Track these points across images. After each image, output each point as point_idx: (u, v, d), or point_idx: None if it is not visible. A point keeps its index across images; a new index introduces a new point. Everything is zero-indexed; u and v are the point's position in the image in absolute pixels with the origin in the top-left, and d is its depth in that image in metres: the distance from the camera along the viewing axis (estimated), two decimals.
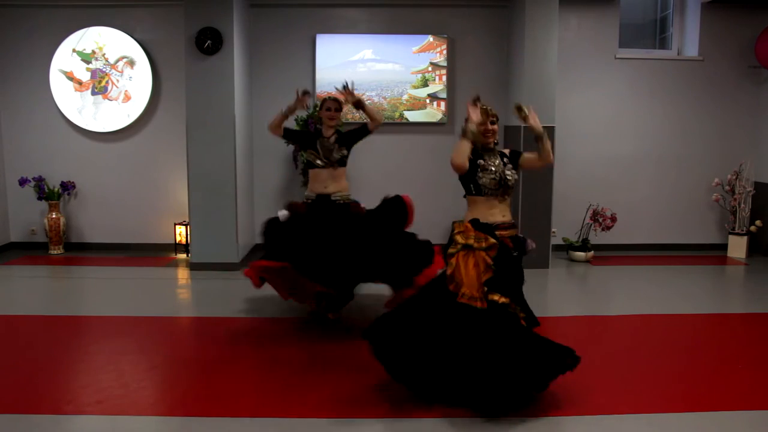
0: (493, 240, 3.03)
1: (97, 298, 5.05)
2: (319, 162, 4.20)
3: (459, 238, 3.06)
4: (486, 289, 2.99)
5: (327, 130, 4.28)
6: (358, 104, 4.28)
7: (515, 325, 3.05)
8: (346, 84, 4.34)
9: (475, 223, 3.10)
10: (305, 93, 4.29)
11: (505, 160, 3.21)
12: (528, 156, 3.29)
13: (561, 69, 6.12)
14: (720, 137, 6.80)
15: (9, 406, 2.97)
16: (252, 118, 6.55)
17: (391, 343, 3.05)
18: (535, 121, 3.20)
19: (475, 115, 3.08)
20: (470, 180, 3.15)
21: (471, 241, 3.03)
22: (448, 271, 3.08)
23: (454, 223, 3.17)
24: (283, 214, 4.19)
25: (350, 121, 6.13)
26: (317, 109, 6.34)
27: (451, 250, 3.10)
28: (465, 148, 3.04)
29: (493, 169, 3.11)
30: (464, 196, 3.27)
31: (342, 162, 4.25)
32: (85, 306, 4.91)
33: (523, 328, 3.08)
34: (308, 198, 4.27)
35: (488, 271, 3.00)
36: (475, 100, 3.13)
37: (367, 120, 4.30)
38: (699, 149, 6.80)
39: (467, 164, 3.06)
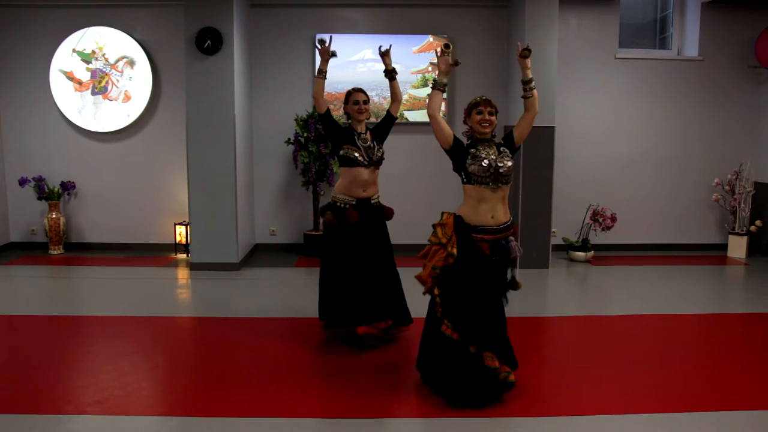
0: (455, 251, 3.04)
1: (97, 298, 5.05)
2: (361, 160, 3.76)
3: (439, 233, 3.12)
4: (436, 284, 3.12)
5: (359, 126, 3.87)
6: (393, 73, 3.92)
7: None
8: (388, 48, 3.93)
9: (457, 221, 3.10)
10: (321, 42, 3.80)
11: (502, 149, 3.15)
12: (517, 127, 3.25)
13: (561, 69, 6.12)
14: (720, 137, 6.80)
15: (9, 406, 2.97)
16: (252, 118, 6.55)
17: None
18: (528, 65, 3.23)
19: (443, 64, 3.12)
20: (461, 167, 3.14)
21: (444, 240, 3.08)
22: (421, 252, 3.20)
23: (442, 213, 3.17)
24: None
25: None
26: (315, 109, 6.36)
27: (430, 239, 3.15)
28: (436, 98, 3.13)
29: (483, 156, 3.06)
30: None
31: (381, 161, 3.89)
32: (85, 306, 4.91)
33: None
34: (346, 202, 3.81)
35: (436, 269, 3.10)
36: (444, 50, 3.15)
37: (388, 104, 4.01)
38: (699, 149, 6.80)
39: (440, 119, 3.15)
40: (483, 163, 3.04)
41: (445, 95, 6.02)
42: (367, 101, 3.88)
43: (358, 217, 3.79)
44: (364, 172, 3.78)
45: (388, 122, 3.98)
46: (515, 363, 3.18)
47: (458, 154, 3.14)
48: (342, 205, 3.81)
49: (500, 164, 3.06)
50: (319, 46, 3.82)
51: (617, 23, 6.62)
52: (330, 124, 3.83)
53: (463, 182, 3.16)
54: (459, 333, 3.03)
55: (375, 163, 3.83)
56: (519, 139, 3.25)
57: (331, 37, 3.91)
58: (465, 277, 3.06)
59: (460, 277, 3.06)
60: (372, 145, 3.82)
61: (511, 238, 3.17)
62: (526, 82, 3.22)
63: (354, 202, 3.81)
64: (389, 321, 3.85)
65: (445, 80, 3.15)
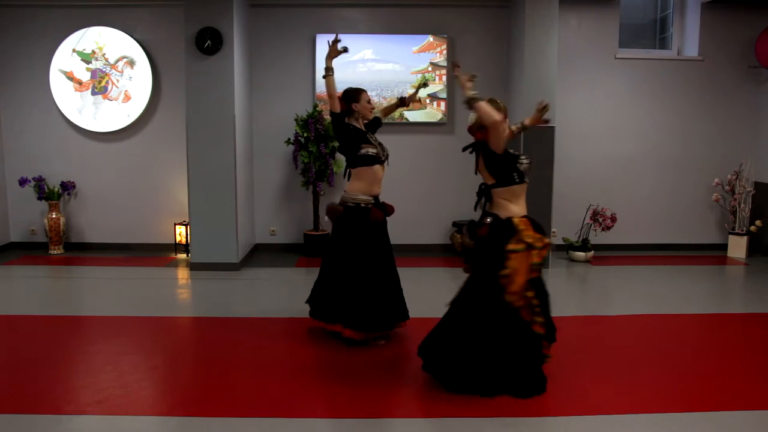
0: (546, 240, 3.11)
1: (97, 298, 5.04)
2: (381, 157, 3.79)
3: (527, 237, 3.05)
4: (530, 287, 3.10)
5: (362, 125, 3.92)
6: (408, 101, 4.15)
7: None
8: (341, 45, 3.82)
9: (531, 220, 3.16)
10: (336, 41, 3.75)
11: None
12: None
13: (561, 69, 6.13)
14: (720, 137, 6.80)
15: (9, 406, 2.97)
16: (252, 118, 6.55)
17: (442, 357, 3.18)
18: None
19: (466, 81, 3.16)
20: (511, 168, 3.14)
21: (530, 240, 3.06)
22: (506, 271, 3.04)
23: (512, 219, 3.11)
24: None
25: None
26: (315, 109, 6.38)
27: (514, 247, 3.04)
28: (484, 107, 3.04)
29: (523, 156, 3.22)
30: (490, 187, 3.19)
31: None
32: (85, 306, 4.91)
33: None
34: (365, 203, 3.79)
35: (533, 271, 3.08)
36: (456, 69, 3.31)
37: (379, 114, 4.11)
38: (699, 149, 6.80)
39: (506, 122, 3.16)
40: (529, 161, 3.21)
41: (445, 95, 6.01)
42: (371, 100, 3.98)
43: (383, 216, 3.83)
44: (380, 170, 3.82)
45: (378, 123, 4.07)
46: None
47: (508, 157, 3.17)
48: (365, 206, 3.78)
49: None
50: (330, 44, 3.77)
51: (617, 23, 6.62)
52: (345, 124, 3.81)
53: (514, 182, 3.14)
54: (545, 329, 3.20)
55: (387, 158, 3.87)
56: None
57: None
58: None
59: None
60: (381, 144, 3.90)
61: None
62: (525, 128, 3.56)
63: (373, 202, 3.82)
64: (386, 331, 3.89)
65: (475, 92, 3.12)
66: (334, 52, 3.75)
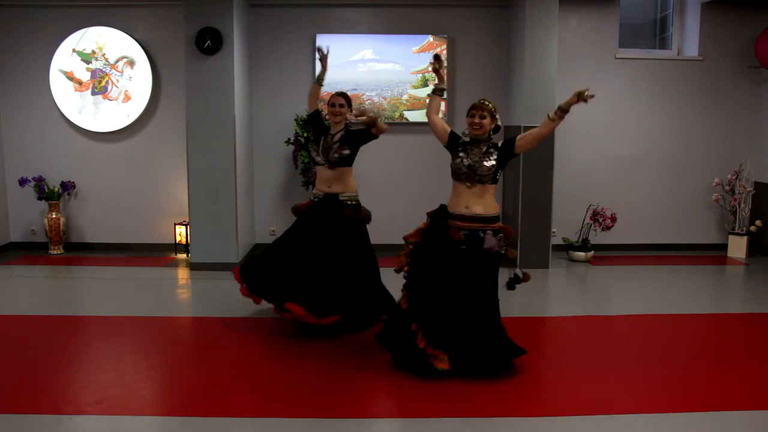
0: (422, 227, 3.47)
1: (97, 298, 5.05)
2: (318, 159, 4.08)
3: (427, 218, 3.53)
4: (410, 247, 3.48)
5: (334, 127, 4.11)
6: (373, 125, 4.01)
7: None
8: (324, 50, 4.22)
9: (442, 207, 3.46)
10: (320, 50, 4.17)
11: (490, 151, 3.36)
12: (525, 136, 3.42)
13: (561, 69, 6.12)
14: (720, 137, 6.80)
15: (9, 406, 2.97)
16: (252, 118, 6.55)
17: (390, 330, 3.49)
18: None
19: (439, 74, 3.52)
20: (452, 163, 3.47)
21: (421, 225, 3.55)
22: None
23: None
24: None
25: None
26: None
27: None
28: (434, 101, 3.57)
29: (462, 156, 3.35)
30: None
31: (341, 162, 4.02)
32: (85, 306, 4.91)
33: None
34: (315, 196, 4.14)
35: (409, 244, 3.48)
36: (434, 63, 3.50)
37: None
38: (699, 149, 6.80)
39: (435, 117, 3.53)
40: (460, 162, 3.35)
41: (445, 95, 6.06)
42: (343, 105, 4.08)
43: (305, 208, 4.15)
44: (323, 171, 4.08)
45: (366, 135, 4.06)
46: (508, 359, 3.36)
47: (451, 150, 3.46)
48: (312, 198, 4.18)
49: (477, 165, 3.31)
50: (318, 54, 4.17)
51: (617, 23, 6.62)
52: (313, 123, 4.20)
53: (452, 177, 3.47)
54: (409, 305, 3.35)
55: (332, 163, 4.03)
56: (519, 148, 3.43)
57: (328, 48, 4.22)
58: (430, 257, 3.36)
59: (426, 256, 3.37)
60: (333, 146, 4.02)
61: (490, 232, 3.32)
62: (564, 110, 3.42)
63: (322, 196, 4.10)
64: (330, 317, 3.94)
65: (443, 86, 3.58)
66: (323, 62, 4.15)
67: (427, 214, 3.54)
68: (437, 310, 3.29)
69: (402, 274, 3.52)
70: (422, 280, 3.34)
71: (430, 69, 3.48)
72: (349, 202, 4.10)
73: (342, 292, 3.96)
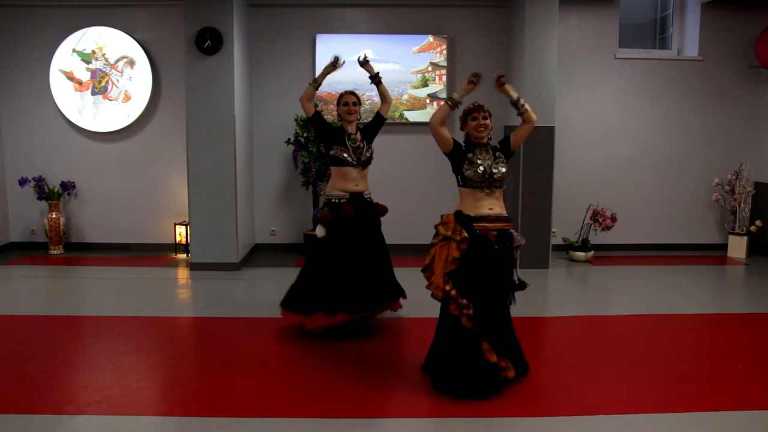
0: (465, 234, 3.13)
1: (97, 298, 5.05)
2: (350, 160, 3.93)
3: (441, 229, 3.20)
4: (448, 280, 3.12)
5: (350, 126, 4.02)
6: (377, 78, 4.12)
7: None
8: (365, 56, 4.19)
9: (458, 215, 3.21)
10: (336, 59, 4.08)
11: (497, 154, 3.28)
12: (514, 133, 3.36)
13: (561, 69, 6.12)
14: (720, 137, 6.80)
15: (9, 406, 2.97)
16: (252, 118, 6.55)
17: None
18: (510, 89, 3.34)
19: (464, 91, 3.23)
20: (458, 172, 3.27)
21: (449, 233, 3.14)
22: (426, 261, 3.23)
23: (442, 215, 3.28)
24: (321, 231, 3.97)
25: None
26: (315, 109, 6.35)
27: (433, 241, 3.23)
28: (442, 110, 3.22)
29: (480, 162, 3.19)
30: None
31: (370, 161, 4.04)
32: (85, 306, 4.91)
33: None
34: (340, 197, 3.96)
35: (452, 263, 3.11)
36: (471, 81, 3.23)
37: (378, 103, 4.18)
38: (699, 149, 6.80)
39: (441, 129, 3.22)
40: (478, 170, 3.18)
41: (445, 95, 6.04)
42: (356, 103, 4.04)
43: (353, 210, 3.92)
44: (352, 171, 3.95)
45: (378, 122, 4.14)
46: (525, 366, 3.27)
47: (457, 157, 3.28)
48: (336, 201, 3.95)
49: (495, 170, 3.20)
50: (332, 59, 4.06)
51: (617, 23, 6.62)
52: (320, 125, 4.02)
53: (459, 185, 3.29)
54: (473, 322, 3.10)
55: (363, 163, 3.98)
56: (514, 145, 3.38)
57: (344, 62, 4.14)
58: (473, 266, 3.12)
59: (469, 267, 3.12)
60: (361, 145, 3.97)
61: (514, 229, 3.28)
62: (515, 104, 3.34)
63: (348, 197, 3.95)
64: (369, 312, 3.99)
65: (461, 102, 3.26)
66: (330, 69, 4.03)
67: (436, 226, 3.28)
68: (496, 317, 3.18)
69: (438, 287, 3.20)
70: (479, 291, 3.14)
71: (466, 81, 3.22)
72: (370, 200, 4.09)
73: (377, 288, 3.98)
